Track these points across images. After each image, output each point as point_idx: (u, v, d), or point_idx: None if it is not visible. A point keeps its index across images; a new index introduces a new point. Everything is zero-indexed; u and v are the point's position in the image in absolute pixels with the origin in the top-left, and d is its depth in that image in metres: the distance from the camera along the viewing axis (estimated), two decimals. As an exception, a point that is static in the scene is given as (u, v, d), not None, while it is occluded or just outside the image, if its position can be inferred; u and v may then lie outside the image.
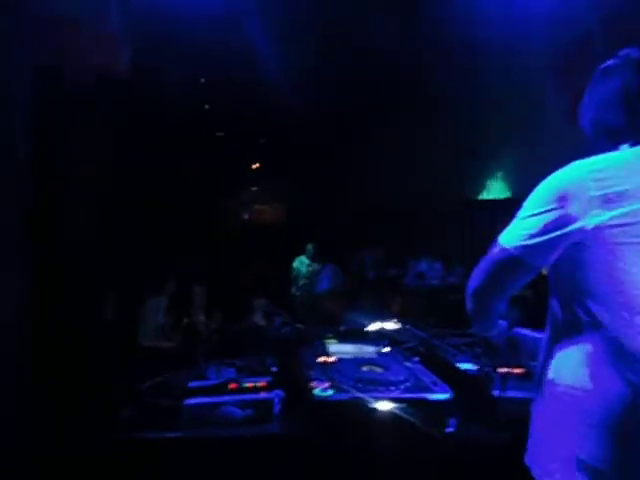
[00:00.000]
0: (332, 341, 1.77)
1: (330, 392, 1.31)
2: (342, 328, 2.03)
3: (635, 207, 0.98)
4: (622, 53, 1.18)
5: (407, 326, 2.08)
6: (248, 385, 1.44)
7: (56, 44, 2.31)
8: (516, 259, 1.05)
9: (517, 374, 1.59)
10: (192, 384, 1.44)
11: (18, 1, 1.34)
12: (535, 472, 1.06)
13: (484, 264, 1.11)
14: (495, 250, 1.09)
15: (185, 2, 5.31)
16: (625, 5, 4.36)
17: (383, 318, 2.27)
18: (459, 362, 1.68)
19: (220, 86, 8.13)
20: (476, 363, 1.67)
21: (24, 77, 1.24)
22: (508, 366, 1.63)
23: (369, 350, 1.72)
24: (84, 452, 1.28)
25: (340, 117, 9.43)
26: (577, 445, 0.99)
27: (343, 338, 1.83)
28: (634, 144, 1.11)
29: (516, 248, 1.05)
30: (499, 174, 8.00)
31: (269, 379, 1.50)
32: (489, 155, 7.76)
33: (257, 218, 16.12)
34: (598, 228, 0.98)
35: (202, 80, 7.92)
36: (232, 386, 1.43)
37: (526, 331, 1.68)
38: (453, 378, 1.49)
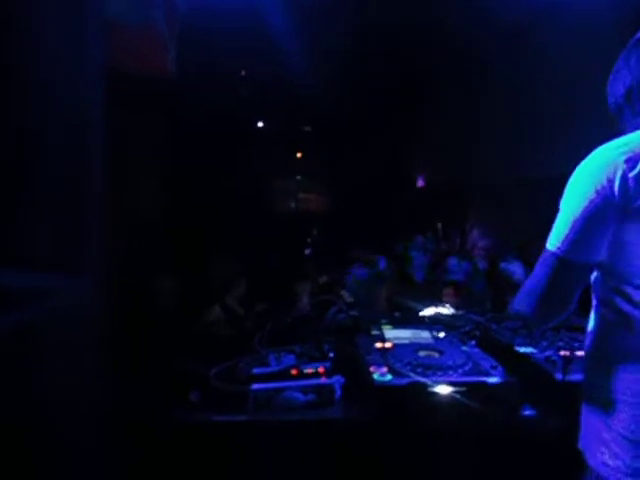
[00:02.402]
0: (388, 327, 1.80)
1: (389, 377, 1.34)
2: (396, 314, 2.05)
3: None
4: None
5: (462, 311, 2.08)
6: (308, 371, 1.49)
7: (109, 46, 2.42)
8: (565, 260, 1.00)
9: (580, 357, 1.56)
10: (256, 370, 1.50)
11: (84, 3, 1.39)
12: (587, 456, 1.05)
13: (536, 274, 1.05)
14: (544, 256, 1.04)
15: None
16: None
17: (436, 303, 2.28)
18: (518, 345, 1.66)
19: (262, 77, 8.22)
20: (535, 346, 1.66)
21: (95, 78, 1.30)
22: (571, 349, 1.60)
23: (425, 335, 1.73)
24: (156, 435, 1.37)
25: (388, 102, 9.29)
26: (625, 425, 0.97)
27: (398, 324, 1.85)
28: None
29: (561, 248, 1.00)
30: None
31: (328, 365, 1.54)
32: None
33: (302, 207, 16.27)
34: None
35: (243, 73, 8.04)
36: (293, 372, 1.48)
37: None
38: (513, 362, 1.48)
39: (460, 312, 2.06)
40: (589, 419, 1.06)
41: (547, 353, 1.56)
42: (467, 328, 1.86)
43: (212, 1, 5.65)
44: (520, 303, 1.09)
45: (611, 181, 0.95)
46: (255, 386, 1.38)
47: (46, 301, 0.78)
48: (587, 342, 1.14)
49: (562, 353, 1.57)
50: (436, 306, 2.12)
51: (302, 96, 9.06)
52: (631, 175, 0.94)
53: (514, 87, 7.59)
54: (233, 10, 5.88)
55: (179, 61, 3.35)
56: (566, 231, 1.00)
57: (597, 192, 0.96)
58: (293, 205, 16.02)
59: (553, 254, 1.01)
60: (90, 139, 0.99)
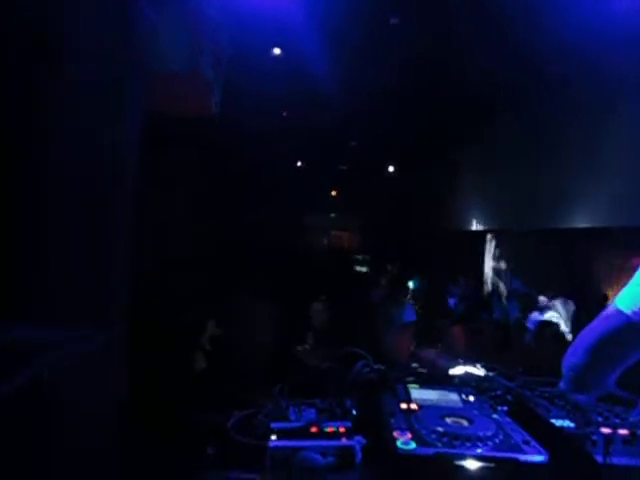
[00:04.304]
0: (414, 386, 1.73)
1: (413, 445, 1.27)
2: (423, 371, 1.97)
3: None
4: None
5: (493, 372, 1.98)
6: (329, 429, 1.44)
7: (155, 93, 2.54)
8: (636, 325, 0.94)
9: (623, 436, 1.44)
10: (275, 425, 1.46)
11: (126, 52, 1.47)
12: None
13: (596, 331, 0.99)
14: (610, 315, 0.98)
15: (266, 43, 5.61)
16: None
17: (466, 360, 2.18)
18: (553, 418, 1.56)
19: (302, 115, 8.46)
20: (573, 420, 1.55)
21: (134, 125, 1.36)
22: (613, 426, 1.49)
23: (453, 398, 1.65)
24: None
25: (415, 146, 9.37)
26: None
27: (425, 383, 1.77)
28: None
29: (636, 313, 0.94)
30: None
31: (349, 424, 1.48)
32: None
33: (335, 243, 16.34)
34: None
35: (284, 114, 8.29)
36: (313, 429, 1.43)
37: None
38: (547, 437, 1.38)
39: (491, 374, 1.96)
40: None
41: (586, 429, 1.46)
42: (498, 392, 1.76)
43: (256, 46, 5.90)
44: (573, 354, 1.03)
45: None
46: (274, 443, 1.33)
47: (64, 353, 0.78)
48: None
49: (603, 430, 1.46)
50: (465, 364, 2.03)
51: (341, 136, 9.24)
52: None
53: (548, 139, 7.53)
54: (277, 56, 6.11)
55: (225, 103, 3.49)
56: None
57: None
58: (326, 241, 16.09)
59: (624, 315, 0.96)
60: (119, 190, 1.02)
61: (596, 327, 0.99)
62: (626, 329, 0.94)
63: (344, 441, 1.37)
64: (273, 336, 3.56)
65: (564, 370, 1.05)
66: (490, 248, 10.75)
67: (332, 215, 16.18)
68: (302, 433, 1.41)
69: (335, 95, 6.83)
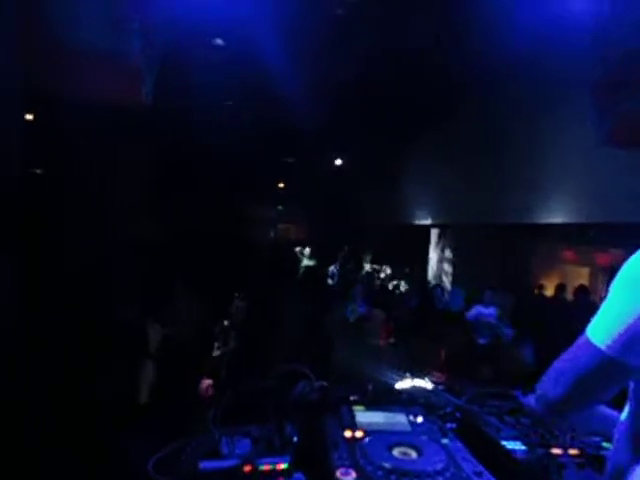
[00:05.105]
0: (359, 408, 1.60)
1: (358, 488, 1.13)
2: (370, 387, 1.85)
3: None
4: None
5: (440, 387, 1.89)
6: (265, 468, 1.28)
7: (76, 76, 2.26)
8: (611, 359, 0.86)
9: (574, 457, 1.38)
10: (203, 465, 1.28)
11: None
12: None
13: (574, 364, 0.91)
14: (584, 347, 0.90)
15: (205, 29, 5.32)
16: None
17: (415, 371, 2.09)
18: (504, 439, 1.48)
19: (248, 107, 8.18)
20: (524, 441, 1.47)
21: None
22: (563, 447, 1.42)
23: (401, 420, 1.53)
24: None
25: (362, 140, 9.32)
26: None
27: (371, 402, 1.65)
28: None
29: (610, 347, 0.85)
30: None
31: (288, 459, 1.33)
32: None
33: (282, 236, 16.14)
34: None
35: (230, 103, 7.97)
36: (247, 469, 1.26)
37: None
38: (499, 465, 1.29)
39: (439, 388, 1.87)
40: None
41: (538, 452, 1.38)
42: (447, 409, 1.67)
43: (199, 35, 5.56)
44: (549, 385, 0.97)
45: None
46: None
47: None
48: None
49: (554, 452, 1.39)
50: (413, 378, 1.93)
51: (287, 128, 9.03)
52: None
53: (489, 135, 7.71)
54: (220, 46, 5.80)
55: (159, 92, 3.21)
56: (619, 331, 0.85)
57: None
58: (272, 234, 15.85)
59: (599, 350, 0.86)
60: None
61: (573, 360, 0.92)
62: (602, 365, 0.86)
63: (281, 483, 1.22)
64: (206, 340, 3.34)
65: (537, 396, 0.98)
66: (435, 241, 10.96)
67: (280, 208, 15.92)
68: (233, 475, 1.24)
69: (283, 87, 6.61)
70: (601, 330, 0.88)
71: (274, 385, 1.72)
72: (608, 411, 1.30)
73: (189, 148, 8.13)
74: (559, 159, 6.38)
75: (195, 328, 3.67)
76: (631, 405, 0.98)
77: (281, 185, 14.71)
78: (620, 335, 0.85)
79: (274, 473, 1.26)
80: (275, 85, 6.45)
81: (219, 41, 5.78)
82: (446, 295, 7.90)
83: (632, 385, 0.96)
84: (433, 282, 9.84)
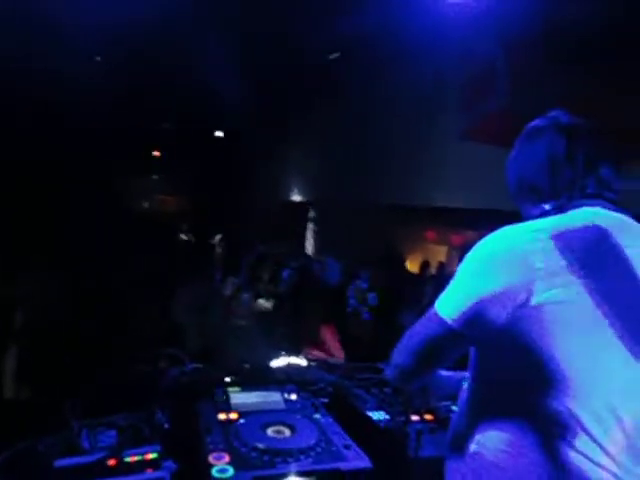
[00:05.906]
0: (235, 389, 1.59)
1: (230, 472, 1.13)
2: (246, 366, 1.84)
3: (578, 282, 0.90)
4: (551, 115, 1.14)
5: (313, 363, 1.96)
6: (131, 459, 1.21)
7: None
8: (455, 332, 0.97)
9: (429, 422, 1.53)
10: (59, 462, 1.17)
11: None
12: None
13: (421, 336, 1.04)
14: (432, 320, 1.01)
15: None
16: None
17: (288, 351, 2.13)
18: (370, 410, 1.58)
19: (121, 65, 7.44)
20: (387, 410, 1.59)
21: None
22: (419, 412, 1.57)
23: (275, 399, 1.56)
24: None
25: (252, 107, 9.11)
26: None
27: (246, 383, 1.65)
28: (555, 205, 1.08)
29: (455, 320, 0.97)
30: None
31: (158, 447, 1.27)
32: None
33: (159, 208, 15.18)
34: (540, 305, 0.90)
35: (98, 58, 7.19)
36: (111, 463, 1.18)
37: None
38: (367, 436, 1.38)
39: (313, 364, 1.94)
40: None
41: (398, 420, 1.50)
42: (320, 385, 1.74)
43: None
44: (399, 355, 1.10)
45: (519, 268, 0.92)
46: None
47: None
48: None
49: (413, 418, 1.52)
50: (288, 356, 1.97)
51: (164, 93, 8.44)
52: (539, 266, 0.91)
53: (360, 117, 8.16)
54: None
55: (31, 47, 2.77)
56: (463, 309, 0.96)
57: (500, 274, 0.94)
58: (147, 205, 14.84)
59: (445, 322, 0.98)
60: None
61: (421, 332, 1.03)
62: (447, 336, 0.98)
63: (150, 473, 1.17)
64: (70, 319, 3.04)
65: (390, 366, 1.08)
66: (311, 218, 11.23)
67: (155, 177, 14.92)
68: (95, 470, 1.15)
69: (159, 51, 6.12)
70: (448, 306, 0.99)
71: (144, 369, 1.63)
72: (448, 372, 1.47)
73: (49, 110, 7.22)
74: (437, 149, 6.97)
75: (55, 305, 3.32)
76: (470, 372, 1.10)
77: (156, 153, 13.79)
78: (464, 313, 0.97)
79: (142, 464, 1.19)
80: (151, 41, 5.95)
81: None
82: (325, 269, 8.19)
83: (472, 353, 1.09)
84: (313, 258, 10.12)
